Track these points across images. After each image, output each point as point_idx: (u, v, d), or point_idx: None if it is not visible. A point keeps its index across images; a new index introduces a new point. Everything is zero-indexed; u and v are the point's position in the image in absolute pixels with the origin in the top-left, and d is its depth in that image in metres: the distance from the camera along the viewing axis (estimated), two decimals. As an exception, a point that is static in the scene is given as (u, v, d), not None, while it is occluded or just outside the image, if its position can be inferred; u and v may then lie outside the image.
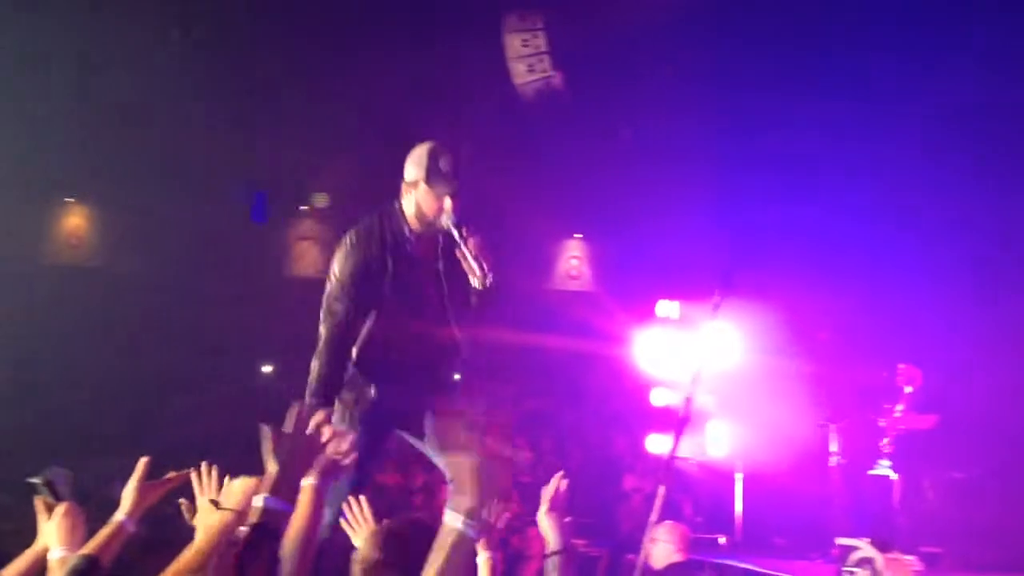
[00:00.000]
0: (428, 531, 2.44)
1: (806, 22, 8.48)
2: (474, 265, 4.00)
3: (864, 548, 5.49)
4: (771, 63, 8.79)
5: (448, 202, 4.05)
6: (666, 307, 10.63)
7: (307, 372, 4.19)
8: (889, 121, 8.88)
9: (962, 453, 8.37)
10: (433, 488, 10.56)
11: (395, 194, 4.26)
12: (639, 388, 10.82)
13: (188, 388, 10.84)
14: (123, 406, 10.56)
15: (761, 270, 9.06)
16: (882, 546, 5.55)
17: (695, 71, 9.26)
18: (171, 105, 9.82)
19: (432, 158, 4.07)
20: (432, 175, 4.06)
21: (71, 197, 11.74)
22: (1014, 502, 8.01)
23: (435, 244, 4.21)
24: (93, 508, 2.89)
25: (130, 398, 10.73)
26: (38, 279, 10.91)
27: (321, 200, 12.01)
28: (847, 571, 5.58)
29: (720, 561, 7.39)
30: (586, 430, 12.08)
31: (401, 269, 4.16)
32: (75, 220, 11.84)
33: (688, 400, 5.52)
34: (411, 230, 4.18)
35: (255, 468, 2.62)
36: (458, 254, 4.07)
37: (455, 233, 4.05)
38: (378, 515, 3.55)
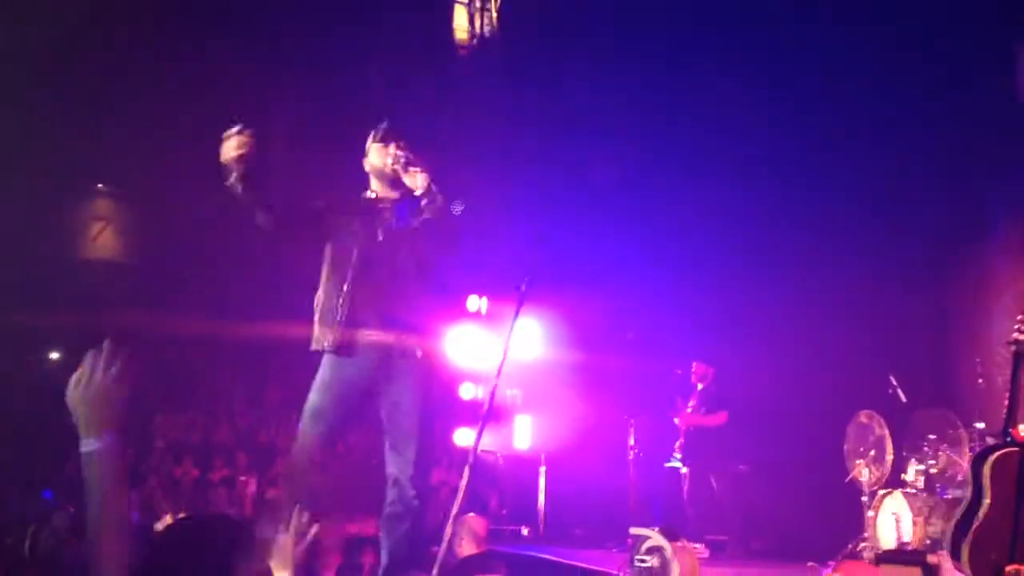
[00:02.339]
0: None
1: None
2: (411, 172, 4.52)
3: (654, 537, 5.71)
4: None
5: (392, 147, 4.64)
6: (475, 302, 10.71)
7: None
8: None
9: (745, 446, 8.87)
10: (235, 482, 10.25)
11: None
12: (448, 382, 10.85)
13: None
14: None
15: (570, 269, 9.26)
16: (671, 535, 5.79)
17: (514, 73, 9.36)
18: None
19: (375, 128, 4.80)
20: (375, 134, 4.78)
21: None
22: (789, 493, 8.56)
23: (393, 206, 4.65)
24: None
25: None
26: None
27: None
28: (638, 559, 5.79)
29: (516, 552, 7.53)
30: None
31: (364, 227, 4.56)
32: None
33: (491, 394, 5.59)
34: (374, 192, 4.72)
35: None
36: (404, 176, 4.54)
37: (399, 167, 4.55)
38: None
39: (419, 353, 4.60)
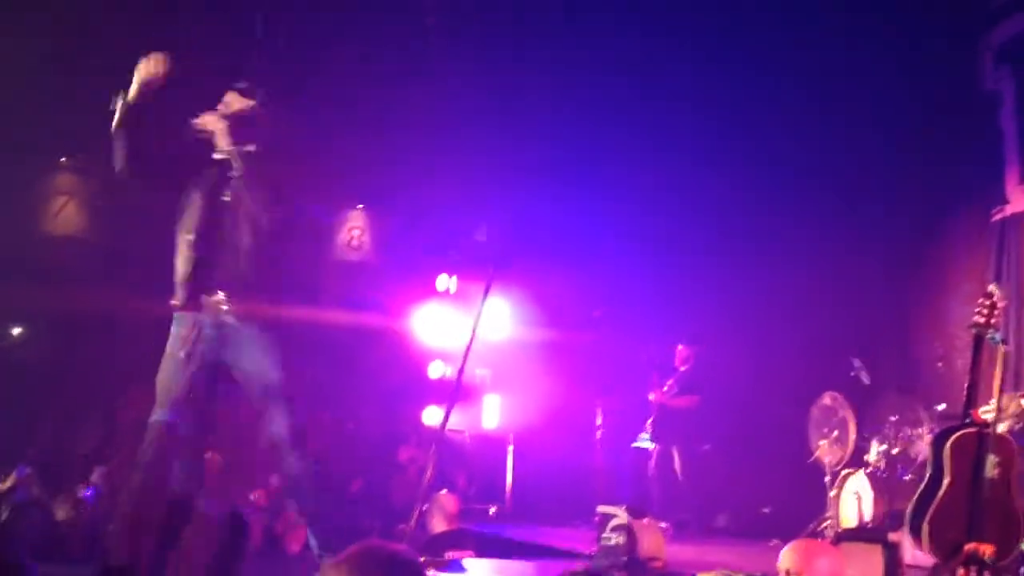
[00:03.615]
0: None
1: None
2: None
3: (620, 515, 5.79)
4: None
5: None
6: (444, 281, 10.73)
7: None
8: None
9: (712, 426, 8.99)
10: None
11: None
12: (418, 360, 10.88)
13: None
14: None
15: (538, 248, 9.30)
16: (637, 513, 5.87)
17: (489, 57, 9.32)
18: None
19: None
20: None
21: None
22: (753, 472, 8.70)
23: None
24: None
25: None
26: None
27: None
28: (604, 537, 5.87)
29: (484, 530, 7.59)
30: (365, 401, 12.03)
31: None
32: None
33: (459, 372, 5.62)
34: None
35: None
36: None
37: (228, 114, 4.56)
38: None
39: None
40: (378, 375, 11.95)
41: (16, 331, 7.78)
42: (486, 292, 5.90)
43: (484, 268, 5.50)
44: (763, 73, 8.47)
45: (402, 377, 11.39)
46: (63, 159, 11.35)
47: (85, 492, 7.84)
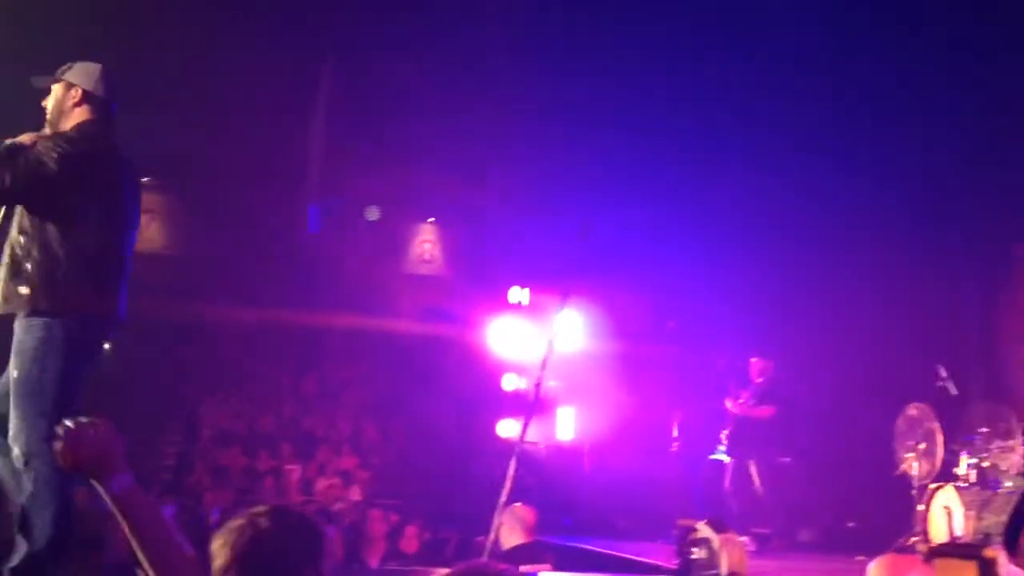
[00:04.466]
0: None
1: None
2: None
3: (702, 528, 5.69)
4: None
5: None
6: (517, 293, 10.72)
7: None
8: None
9: (792, 439, 8.82)
10: (281, 471, 10.36)
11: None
12: (491, 373, 10.89)
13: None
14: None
15: (612, 261, 9.24)
16: (718, 526, 5.77)
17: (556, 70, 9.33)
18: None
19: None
20: None
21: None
22: (836, 486, 8.51)
23: None
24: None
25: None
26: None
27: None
28: (686, 551, 5.77)
29: (560, 543, 7.54)
30: (437, 413, 12.09)
31: None
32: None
33: (537, 385, 5.60)
34: None
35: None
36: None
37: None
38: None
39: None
40: (452, 387, 12.01)
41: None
42: (562, 304, 5.88)
43: (558, 280, 5.47)
44: (841, 75, 8.31)
45: (476, 389, 11.43)
46: (145, 179, 11.72)
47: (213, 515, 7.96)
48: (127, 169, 4.03)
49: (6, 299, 3.81)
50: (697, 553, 5.70)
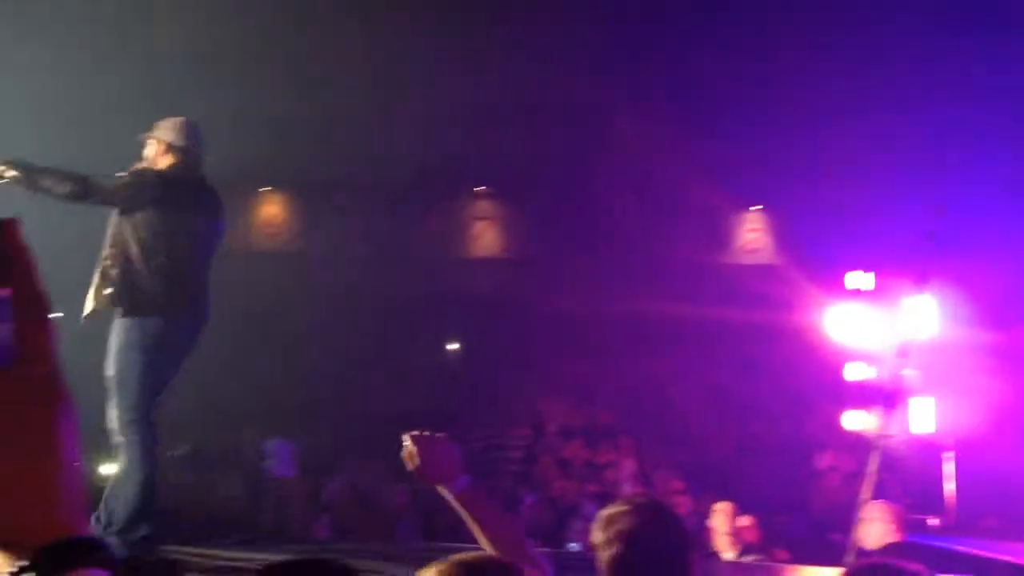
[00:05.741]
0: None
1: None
2: None
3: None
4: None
5: None
6: (858, 278, 10.15)
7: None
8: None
9: None
10: (618, 464, 10.56)
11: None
12: (828, 363, 10.42)
13: (380, 364, 11.26)
14: (321, 380, 11.06)
15: (974, 241, 8.52)
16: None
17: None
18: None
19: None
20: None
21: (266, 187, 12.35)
22: None
23: None
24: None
25: (328, 373, 11.20)
26: (233, 265, 11.59)
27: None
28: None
29: (939, 545, 7.02)
30: (767, 404, 11.77)
31: None
32: (271, 208, 12.50)
33: (897, 375, 5.25)
34: None
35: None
36: None
37: None
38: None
39: None
40: (785, 378, 11.65)
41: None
42: (917, 288, 5.48)
43: (908, 264, 5.09)
44: None
45: (814, 379, 10.99)
46: (479, 187, 12.45)
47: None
48: (203, 196, 4.75)
49: (98, 302, 4.55)
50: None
